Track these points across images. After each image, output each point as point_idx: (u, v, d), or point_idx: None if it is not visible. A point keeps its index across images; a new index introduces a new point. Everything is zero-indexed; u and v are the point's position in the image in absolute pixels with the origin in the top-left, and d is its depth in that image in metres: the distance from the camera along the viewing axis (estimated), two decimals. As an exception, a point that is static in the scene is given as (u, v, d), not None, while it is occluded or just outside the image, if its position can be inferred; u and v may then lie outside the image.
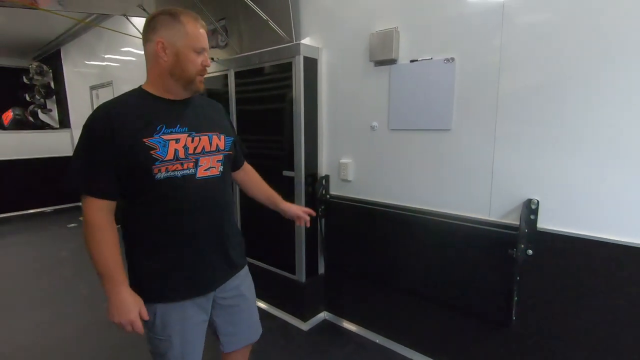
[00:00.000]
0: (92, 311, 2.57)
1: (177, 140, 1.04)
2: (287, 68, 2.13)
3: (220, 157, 1.15)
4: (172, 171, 1.03)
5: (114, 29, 3.65)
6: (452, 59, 1.66)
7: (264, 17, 2.15)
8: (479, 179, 1.66)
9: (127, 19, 3.01)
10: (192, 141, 1.07)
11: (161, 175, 1.01)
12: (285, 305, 2.46)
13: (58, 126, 6.44)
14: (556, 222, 1.48)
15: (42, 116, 6.47)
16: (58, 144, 5.90)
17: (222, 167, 1.15)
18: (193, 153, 1.07)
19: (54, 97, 6.39)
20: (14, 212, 5.40)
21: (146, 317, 1.05)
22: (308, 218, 1.40)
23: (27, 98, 6.36)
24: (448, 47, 1.68)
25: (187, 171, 1.06)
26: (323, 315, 2.44)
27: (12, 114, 6.22)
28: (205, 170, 1.10)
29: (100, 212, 1.01)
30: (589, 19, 1.32)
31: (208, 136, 1.12)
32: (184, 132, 1.06)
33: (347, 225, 2.22)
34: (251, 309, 1.34)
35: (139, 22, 3.31)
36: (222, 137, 1.16)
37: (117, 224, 1.06)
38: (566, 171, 1.43)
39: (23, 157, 5.50)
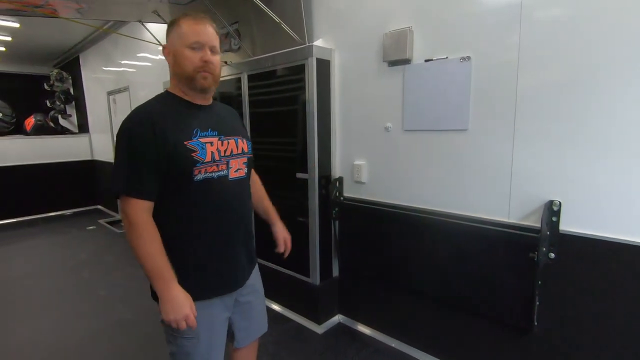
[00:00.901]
0: (108, 312, 2.61)
1: (211, 144, 1.09)
2: (299, 70, 2.12)
3: (245, 159, 1.21)
4: (210, 172, 1.08)
5: (130, 35, 3.73)
6: (468, 57, 1.63)
7: (277, 19, 2.16)
8: (498, 179, 1.62)
9: (143, 25, 3.06)
10: (222, 144, 1.13)
11: (200, 176, 1.06)
12: (299, 308, 2.45)
13: (77, 131, 6.61)
14: (579, 224, 1.43)
15: (62, 121, 6.66)
16: (77, 148, 6.06)
17: (246, 169, 1.21)
18: (224, 155, 1.13)
19: (73, 102, 6.57)
20: (36, 214, 5.56)
21: (195, 312, 1.06)
22: (283, 250, 1.44)
23: (48, 104, 6.56)
24: (464, 46, 1.64)
25: (222, 172, 1.11)
26: (338, 318, 2.42)
27: (33, 119, 6.42)
28: (235, 171, 1.16)
29: (145, 212, 1.03)
30: (612, 12, 1.27)
31: (235, 140, 1.18)
32: (215, 135, 1.12)
33: (361, 228, 2.20)
34: (262, 303, 1.41)
35: (154, 28, 3.37)
36: (245, 140, 1.22)
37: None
38: (589, 171, 1.38)
39: (44, 162, 5.67)
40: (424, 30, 1.77)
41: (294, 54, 2.14)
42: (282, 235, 1.44)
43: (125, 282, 3.06)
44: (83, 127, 6.38)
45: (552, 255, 1.47)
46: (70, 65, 6.27)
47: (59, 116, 6.58)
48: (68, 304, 2.80)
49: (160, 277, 1.03)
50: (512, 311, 1.64)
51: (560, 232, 1.46)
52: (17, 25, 4.31)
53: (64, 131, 6.61)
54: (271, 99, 2.35)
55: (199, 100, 1.14)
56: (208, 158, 1.07)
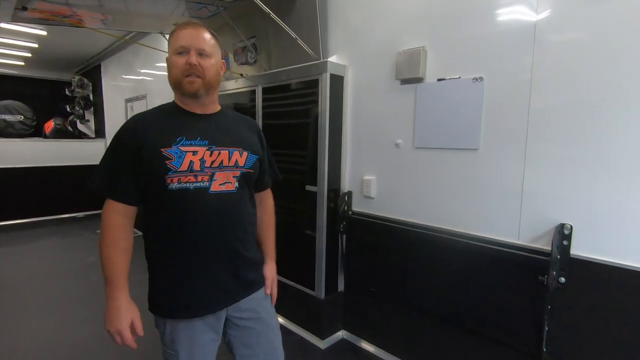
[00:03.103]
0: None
1: (194, 153, 1.03)
2: (313, 85, 2.16)
3: (238, 173, 1.10)
4: (185, 182, 1.01)
5: (150, 45, 3.85)
6: (481, 78, 1.64)
7: (293, 35, 2.21)
8: (508, 200, 1.61)
9: (164, 36, 3.17)
10: (211, 155, 1.06)
11: (174, 185, 1.01)
12: (303, 321, 2.43)
13: (94, 136, 6.78)
14: (591, 249, 1.40)
15: (80, 126, 6.85)
16: (93, 152, 6.20)
17: (237, 183, 1.10)
18: (210, 167, 1.05)
19: (92, 108, 6.76)
20: (49, 216, 5.67)
21: (140, 331, 1.03)
22: (269, 292, 1.27)
23: (68, 109, 6.76)
24: (477, 66, 1.66)
25: (201, 184, 1.03)
26: (341, 334, 2.39)
27: (53, 123, 6.62)
28: (220, 184, 1.07)
29: (115, 214, 1.03)
30: (625, 34, 1.28)
31: (229, 151, 1.09)
32: (203, 145, 1.05)
33: (368, 243, 2.19)
34: (270, 334, 1.24)
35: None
36: (245, 153, 1.13)
37: (141, 231, 1.09)
38: (602, 195, 1.37)
39: (60, 164, 5.81)
40: (437, 49, 1.80)
41: (308, 69, 2.19)
42: (271, 276, 1.28)
43: (131, 287, 3.08)
44: (100, 132, 6.55)
45: (563, 279, 1.45)
46: (91, 73, 6.48)
47: (78, 121, 6.77)
48: (74, 307, 2.82)
49: (109, 282, 1.01)
50: (521, 335, 1.61)
51: (571, 256, 1.44)
52: (44, 33, 4.50)
53: (81, 135, 6.79)
54: (284, 112, 2.39)
55: (197, 109, 1.10)
56: (183, 167, 1.01)
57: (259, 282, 1.23)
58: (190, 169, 1.02)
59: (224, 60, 1.14)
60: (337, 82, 2.16)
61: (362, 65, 2.15)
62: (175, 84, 1.06)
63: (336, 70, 2.14)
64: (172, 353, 1.11)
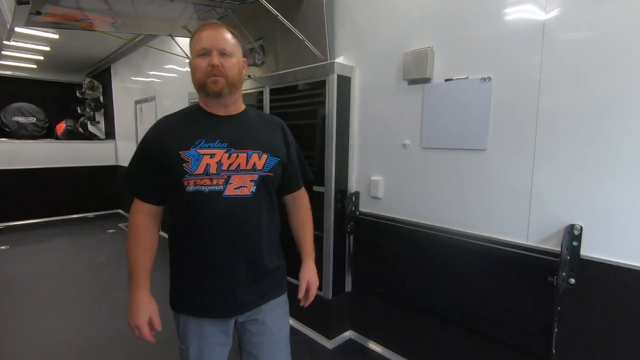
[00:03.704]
0: (123, 316, 2.64)
1: (211, 155, 1.03)
2: (320, 86, 2.17)
3: (255, 177, 1.07)
4: (200, 185, 1.02)
5: (160, 48, 3.90)
6: (489, 78, 1.64)
7: (300, 36, 2.23)
8: (517, 201, 1.60)
9: (173, 39, 3.21)
10: (229, 157, 1.04)
11: (190, 188, 1.02)
12: (310, 321, 2.44)
13: (104, 137, 6.88)
14: (602, 250, 1.39)
15: (90, 128, 6.94)
16: (103, 153, 6.30)
17: (254, 187, 1.07)
18: (227, 170, 1.03)
19: (102, 110, 6.86)
20: (60, 216, 5.77)
21: (157, 326, 1.06)
22: (302, 296, 1.22)
23: (79, 111, 6.86)
24: (484, 66, 1.66)
25: (215, 187, 1.02)
26: (349, 334, 2.39)
27: (64, 125, 6.74)
28: (235, 188, 1.04)
29: (140, 213, 1.08)
30: (634, 35, 1.27)
31: (247, 154, 1.06)
32: (222, 147, 1.04)
33: (375, 243, 2.20)
34: (275, 348, 1.18)
35: (183, 41, 3.52)
36: (264, 156, 1.09)
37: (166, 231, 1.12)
38: (613, 195, 1.35)
39: (71, 165, 5.91)
40: (445, 50, 1.79)
41: (315, 70, 2.20)
42: (306, 277, 1.22)
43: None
44: (109, 134, 6.64)
45: (572, 280, 1.43)
46: (102, 75, 6.58)
47: (88, 122, 6.87)
48: (86, 306, 2.87)
49: (132, 278, 1.06)
50: (529, 337, 1.60)
51: (581, 257, 1.42)
52: (56, 36, 4.58)
53: (91, 137, 6.89)
54: (291, 113, 2.41)
55: (219, 110, 1.10)
56: (199, 170, 1.01)
57: (274, 292, 1.19)
58: (206, 172, 1.02)
59: (245, 59, 1.13)
60: (344, 83, 2.17)
61: (369, 66, 2.15)
62: (200, 85, 1.06)
63: (343, 71, 2.15)
64: (184, 348, 1.13)
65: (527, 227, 1.58)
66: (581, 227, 1.42)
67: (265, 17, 2.45)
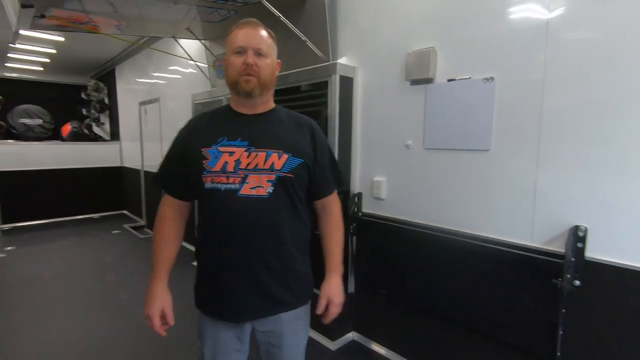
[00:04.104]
0: (128, 316, 2.67)
1: (231, 153, 1.02)
2: (323, 86, 2.17)
3: (273, 177, 1.02)
4: (217, 183, 1.01)
5: (163, 50, 3.93)
6: (492, 78, 1.63)
7: (302, 37, 2.22)
8: (521, 202, 1.58)
9: (176, 40, 3.22)
10: (249, 156, 1.02)
11: (208, 185, 1.02)
12: (313, 322, 2.43)
13: (109, 138, 6.93)
14: (607, 252, 1.37)
15: (95, 129, 7.01)
16: (108, 155, 6.35)
17: (271, 188, 1.02)
18: (245, 168, 1.01)
19: (107, 111, 6.91)
20: (66, 216, 5.81)
21: (170, 320, 1.08)
22: (322, 312, 1.13)
23: (84, 112, 6.93)
24: (487, 66, 1.64)
25: (232, 186, 1.01)
26: (352, 335, 2.39)
27: (70, 126, 6.80)
28: (252, 188, 1.01)
29: (167, 207, 1.12)
30: (639, 33, 1.25)
31: (266, 153, 1.03)
32: (242, 146, 1.03)
33: (378, 245, 2.19)
34: None
35: (186, 43, 3.54)
36: (285, 156, 1.04)
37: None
38: (618, 196, 1.33)
39: (77, 167, 5.95)
40: (448, 50, 1.78)
41: (317, 70, 2.20)
42: (327, 293, 1.12)
43: (146, 286, 3.14)
44: (114, 135, 6.69)
45: (577, 282, 1.42)
46: (107, 77, 6.63)
47: (93, 124, 6.93)
48: (91, 306, 2.89)
49: (152, 269, 1.09)
50: (534, 338, 1.58)
51: (585, 259, 1.41)
52: (62, 39, 4.62)
53: (97, 138, 6.95)
54: (294, 114, 2.40)
55: (246, 109, 1.09)
56: (217, 168, 1.01)
57: (293, 303, 1.11)
58: (223, 170, 1.01)
59: (279, 60, 1.12)
60: (347, 83, 2.17)
61: (372, 66, 2.15)
62: (232, 83, 1.05)
63: (346, 71, 2.15)
64: (200, 346, 1.14)
65: (532, 228, 1.56)
66: (586, 229, 1.40)
67: (268, 19, 2.44)
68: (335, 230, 1.19)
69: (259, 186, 1.02)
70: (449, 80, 1.78)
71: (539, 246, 1.54)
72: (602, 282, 1.38)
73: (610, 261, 1.36)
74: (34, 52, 5.22)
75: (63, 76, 7.01)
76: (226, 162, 1.01)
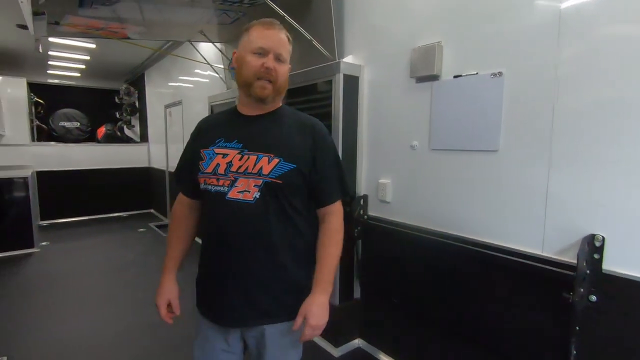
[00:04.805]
0: (142, 314, 2.74)
1: (224, 155, 1.00)
2: (327, 86, 2.12)
3: (259, 182, 0.97)
4: (209, 184, 1.02)
5: (184, 56, 4.04)
6: (500, 73, 1.51)
7: (308, 36, 2.19)
8: (531, 207, 1.45)
9: (192, 44, 3.29)
10: (241, 159, 0.99)
11: (202, 186, 1.05)
12: (318, 327, 2.38)
13: (139, 140, 7.24)
14: (628, 265, 1.22)
15: (127, 131, 7.35)
16: (137, 156, 6.63)
17: (258, 193, 0.97)
18: (235, 171, 0.98)
19: (138, 114, 7.23)
20: (97, 215, 6.12)
21: (176, 310, 1.14)
22: (297, 328, 1.01)
23: (117, 115, 7.29)
24: (495, 61, 1.53)
25: (220, 188, 0.99)
26: (357, 342, 2.31)
27: (104, 129, 7.19)
28: (239, 192, 0.98)
29: (179, 204, 1.18)
30: (669, 22, 1.10)
31: (257, 156, 0.98)
32: (236, 148, 1.00)
33: (384, 249, 2.10)
34: None
35: (205, 48, 3.62)
36: (275, 160, 0.98)
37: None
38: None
39: (109, 167, 6.26)
40: (454, 44, 1.68)
41: (322, 70, 2.15)
42: (303, 312, 0.99)
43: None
44: (144, 137, 6.98)
45: (594, 298, 1.28)
46: (137, 81, 6.94)
47: (125, 126, 7.27)
48: (109, 302, 2.99)
49: (164, 262, 1.17)
50: (545, 358, 1.44)
51: (603, 271, 1.26)
52: (93, 46, 4.88)
53: (128, 140, 7.28)
54: (300, 114, 2.37)
55: (247, 109, 1.06)
56: (209, 169, 1.01)
57: (281, 315, 1.04)
58: (215, 172, 1.00)
59: (290, 65, 1.08)
60: (352, 82, 2.10)
61: (378, 64, 2.07)
62: (245, 84, 1.00)
63: (350, 70, 2.08)
64: (194, 342, 1.16)
65: (543, 237, 1.43)
66: (603, 238, 1.26)
67: (276, 19, 2.45)
68: (330, 243, 1.05)
69: (245, 190, 0.98)
70: (455, 77, 1.67)
71: (550, 256, 1.40)
72: (622, 298, 1.23)
73: (631, 275, 1.21)
74: (70, 59, 5.56)
75: (98, 81, 7.42)
76: (218, 164, 1.00)
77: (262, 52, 0.98)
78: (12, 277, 3.51)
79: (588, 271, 1.27)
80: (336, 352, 2.21)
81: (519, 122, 1.47)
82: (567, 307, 1.31)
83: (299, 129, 1.05)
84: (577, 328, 1.31)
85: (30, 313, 2.76)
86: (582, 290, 1.26)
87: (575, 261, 1.30)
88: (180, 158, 1.17)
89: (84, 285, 3.36)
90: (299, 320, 1.00)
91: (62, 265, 3.86)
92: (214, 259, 1.05)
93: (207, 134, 1.08)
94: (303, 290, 1.05)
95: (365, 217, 2.18)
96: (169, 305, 1.13)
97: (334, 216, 1.08)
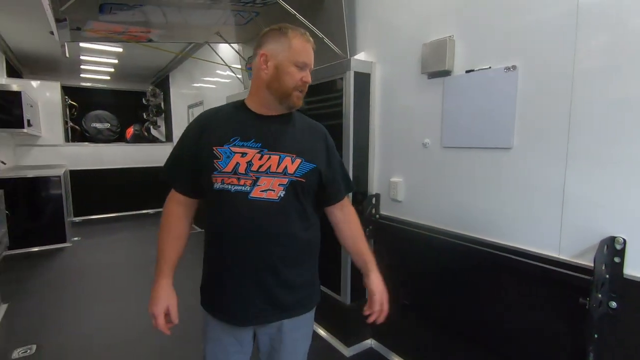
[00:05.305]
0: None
1: (243, 154, 1.00)
2: (338, 84, 2.11)
3: (285, 181, 1.00)
4: (227, 184, 0.99)
5: (204, 58, 4.13)
6: (514, 67, 1.44)
7: (319, 35, 2.18)
8: (547, 207, 1.38)
9: (209, 45, 3.36)
10: (261, 159, 1.00)
11: (217, 185, 1.00)
12: (328, 326, 2.38)
13: (164, 140, 7.49)
14: (651, 270, 1.14)
15: (153, 132, 7.62)
16: (162, 155, 6.79)
17: (283, 192, 1.00)
18: (256, 171, 0.99)
19: (163, 115, 7.48)
20: (125, 212, 6.38)
21: (175, 318, 1.06)
22: (376, 313, 1.12)
23: (144, 116, 7.57)
24: (509, 54, 1.46)
25: (242, 188, 0.99)
26: (369, 342, 2.29)
27: (133, 129, 7.49)
28: (262, 191, 0.99)
29: (173, 203, 1.10)
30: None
31: (279, 156, 1.01)
32: (255, 147, 1.01)
33: (396, 249, 2.07)
34: None
35: (224, 50, 3.68)
36: (298, 160, 1.02)
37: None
38: (665, 204, 1.10)
39: (136, 166, 6.50)
40: (466, 38, 1.62)
41: (333, 68, 2.14)
42: (379, 290, 1.11)
43: (182, 281, 3.32)
44: (169, 137, 7.21)
45: (614, 304, 1.20)
46: (163, 83, 7.18)
47: (151, 127, 7.54)
48: (135, 295, 3.10)
49: (157, 266, 1.07)
50: (561, 366, 1.37)
51: (624, 276, 1.18)
52: (120, 49, 5.09)
53: (154, 140, 7.55)
54: (313, 114, 2.36)
55: (264, 110, 1.06)
56: (228, 168, 0.99)
57: (297, 309, 1.10)
58: (235, 171, 0.99)
59: None
60: (363, 80, 2.07)
61: (390, 60, 2.03)
62: (283, 93, 1.02)
63: (361, 67, 2.06)
64: (203, 345, 1.15)
65: (559, 239, 1.36)
66: (624, 240, 1.18)
67: (288, 19, 2.45)
68: (356, 226, 1.20)
69: (270, 189, 1.00)
70: (467, 72, 1.61)
71: (567, 259, 1.33)
72: (644, 305, 1.15)
73: (655, 281, 1.13)
74: (100, 62, 5.82)
75: (126, 83, 7.73)
76: (238, 163, 0.99)
77: (303, 66, 1.02)
78: (45, 270, 3.73)
79: (607, 275, 1.20)
80: (347, 351, 2.20)
81: (534, 118, 1.40)
82: (584, 313, 1.24)
83: (310, 131, 1.12)
84: (596, 336, 1.24)
85: (60, 304, 2.92)
86: (599, 295, 1.19)
87: (591, 264, 1.22)
88: (175, 154, 1.10)
89: (112, 278, 3.52)
90: (377, 299, 1.11)
91: (91, 260, 4.06)
92: (232, 258, 1.03)
93: (216, 131, 1.03)
94: (314, 283, 1.17)
95: (377, 216, 2.15)
96: (166, 315, 1.05)
97: (349, 206, 1.20)
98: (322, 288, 2.32)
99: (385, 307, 1.12)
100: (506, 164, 1.51)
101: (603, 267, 1.20)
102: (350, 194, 2.09)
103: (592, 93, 1.24)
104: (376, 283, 1.13)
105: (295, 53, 1.00)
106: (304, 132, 1.10)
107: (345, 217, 1.18)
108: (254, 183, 0.99)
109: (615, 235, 1.20)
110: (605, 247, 1.20)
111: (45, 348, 2.27)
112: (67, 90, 6.69)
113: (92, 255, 4.22)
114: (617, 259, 1.19)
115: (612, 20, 1.17)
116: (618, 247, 1.19)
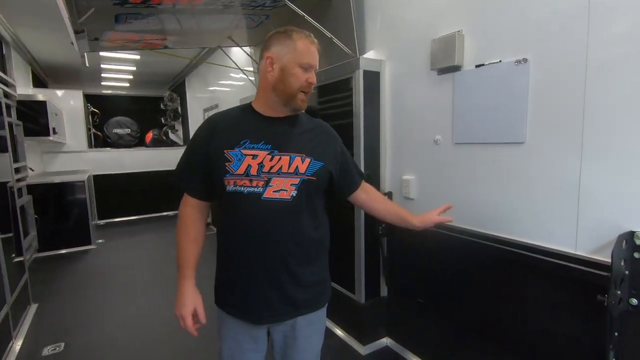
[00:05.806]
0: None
1: (254, 157, 1.02)
2: (348, 83, 2.11)
3: (297, 180, 1.03)
4: (240, 186, 1.01)
5: (217, 62, 4.21)
6: (525, 60, 1.41)
7: (328, 34, 2.19)
8: (562, 202, 1.35)
9: (222, 50, 3.42)
10: (271, 160, 1.02)
11: (230, 187, 1.02)
12: (344, 325, 2.39)
13: (182, 144, 7.65)
14: (673, 266, 1.10)
15: (171, 136, 7.79)
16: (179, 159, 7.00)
17: (295, 191, 1.03)
18: (268, 172, 1.02)
19: (180, 119, 7.64)
20: (146, 214, 6.57)
21: (202, 319, 1.09)
22: (445, 213, 1.27)
23: (162, 121, 7.76)
24: (519, 47, 1.43)
25: (255, 189, 1.01)
26: (385, 341, 2.28)
27: (152, 134, 7.68)
28: (275, 191, 1.02)
29: (188, 207, 1.12)
30: None
31: (290, 157, 1.04)
32: (265, 149, 1.03)
33: (410, 247, 2.06)
34: None
35: (236, 53, 3.74)
36: (308, 160, 1.05)
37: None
38: (687, 197, 1.06)
39: (156, 169, 6.67)
40: (475, 32, 1.60)
41: (342, 67, 2.14)
42: (430, 218, 1.25)
43: (205, 280, 3.40)
44: (186, 141, 7.37)
45: (635, 301, 1.16)
46: (179, 87, 7.34)
47: (170, 131, 7.72)
48: (157, 295, 3.20)
49: (179, 269, 1.10)
50: (581, 365, 1.34)
51: (645, 273, 1.15)
52: (137, 57, 5.23)
53: (173, 144, 7.72)
54: (323, 114, 2.38)
55: (271, 112, 1.09)
56: (240, 171, 1.01)
57: (311, 306, 1.14)
58: (247, 173, 1.01)
59: None
60: (372, 78, 2.07)
61: (399, 58, 2.02)
62: (288, 95, 1.04)
63: (371, 66, 2.05)
64: (219, 342, 1.17)
65: (575, 234, 1.32)
66: (644, 236, 1.14)
67: (297, 20, 2.47)
68: (385, 198, 1.34)
69: (282, 189, 1.03)
70: (477, 66, 1.59)
71: (583, 255, 1.29)
72: (666, 302, 1.11)
73: (677, 277, 1.09)
74: (119, 70, 6.01)
75: (145, 89, 7.93)
76: (249, 165, 1.01)
77: (308, 67, 1.04)
78: (71, 271, 3.89)
79: (627, 272, 1.16)
80: (363, 349, 2.20)
81: (547, 111, 1.37)
82: (602, 311, 1.20)
83: (317, 130, 1.15)
84: (616, 334, 1.20)
85: (87, 304, 3.04)
86: (618, 292, 1.15)
87: (608, 260, 1.19)
88: (185, 159, 1.12)
89: (135, 278, 3.64)
90: (443, 217, 1.26)
91: (115, 261, 4.21)
92: (246, 258, 1.05)
93: (226, 134, 1.05)
94: (325, 280, 1.19)
95: (390, 214, 2.14)
96: (193, 316, 1.08)
97: (368, 185, 1.28)
98: (337, 287, 2.36)
99: (445, 206, 1.29)
100: (519, 159, 1.48)
101: (622, 263, 1.16)
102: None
103: (607, 84, 1.20)
104: (422, 216, 1.25)
105: (300, 55, 1.02)
106: (311, 131, 1.13)
107: (369, 195, 1.26)
108: (267, 184, 1.01)
109: (635, 230, 1.16)
110: (624, 242, 1.17)
111: (72, 346, 2.37)
112: (89, 98, 6.94)
113: (116, 257, 4.37)
114: (637, 255, 1.16)
115: (626, 7, 1.14)
116: (638, 242, 1.15)
